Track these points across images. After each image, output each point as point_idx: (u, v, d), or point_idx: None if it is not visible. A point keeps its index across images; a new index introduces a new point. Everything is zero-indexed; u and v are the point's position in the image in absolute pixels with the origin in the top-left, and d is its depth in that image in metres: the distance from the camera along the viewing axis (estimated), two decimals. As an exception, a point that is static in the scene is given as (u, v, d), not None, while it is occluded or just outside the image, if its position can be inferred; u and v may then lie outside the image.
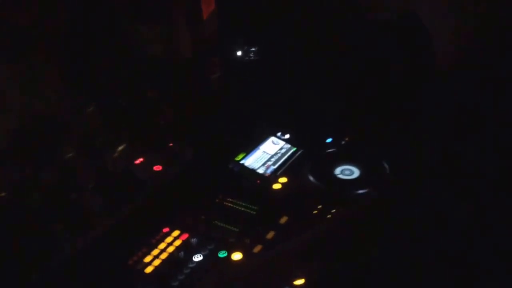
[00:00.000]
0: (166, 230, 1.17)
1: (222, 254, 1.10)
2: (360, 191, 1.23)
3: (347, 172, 1.30)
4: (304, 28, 1.47)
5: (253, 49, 1.62)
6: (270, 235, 1.14)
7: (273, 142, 1.45)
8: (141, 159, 1.24)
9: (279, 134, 1.48)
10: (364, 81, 1.42)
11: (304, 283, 1.02)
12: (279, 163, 1.38)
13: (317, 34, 1.45)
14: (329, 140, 1.45)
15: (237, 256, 1.09)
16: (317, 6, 1.43)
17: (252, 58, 1.61)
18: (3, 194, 1.14)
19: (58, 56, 1.26)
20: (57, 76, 1.26)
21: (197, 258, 1.09)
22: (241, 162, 1.37)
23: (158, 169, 1.25)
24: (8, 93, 1.21)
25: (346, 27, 1.40)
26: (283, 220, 1.18)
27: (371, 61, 1.39)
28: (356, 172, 1.30)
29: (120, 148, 1.21)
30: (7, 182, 1.16)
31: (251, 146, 1.42)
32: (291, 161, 1.39)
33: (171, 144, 1.30)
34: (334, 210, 1.18)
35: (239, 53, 1.62)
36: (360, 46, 1.39)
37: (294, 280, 1.02)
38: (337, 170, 1.31)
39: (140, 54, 1.35)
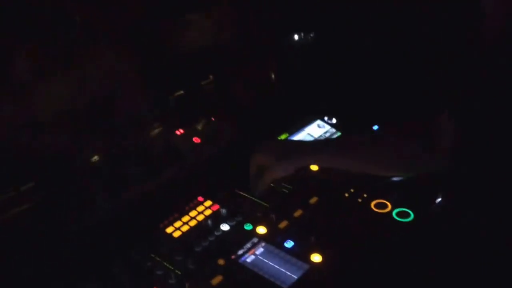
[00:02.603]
0: (200, 199, 1.22)
1: (247, 226, 1.13)
2: (395, 179, 1.20)
3: (386, 159, 1.27)
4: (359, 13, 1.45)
5: (309, 34, 1.63)
6: (298, 213, 1.15)
7: (318, 126, 1.45)
8: (181, 131, 1.30)
9: (326, 118, 1.48)
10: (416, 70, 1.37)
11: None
12: (321, 146, 1.38)
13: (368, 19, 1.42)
14: (375, 127, 1.42)
15: (261, 229, 1.11)
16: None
17: (308, 41, 1.62)
18: (96, 158, 1.22)
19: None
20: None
21: (224, 228, 1.13)
22: (283, 142, 1.38)
23: (197, 142, 1.29)
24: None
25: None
26: (313, 200, 1.18)
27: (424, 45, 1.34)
28: (395, 160, 1.26)
29: (162, 119, 1.27)
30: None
31: (295, 127, 1.44)
32: (333, 145, 1.38)
33: (213, 119, 1.34)
34: (365, 195, 1.17)
35: (295, 37, 1.63)
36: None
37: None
38: (377, 157, 1.28)
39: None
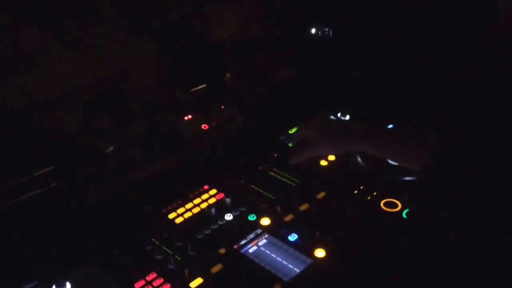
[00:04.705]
0: (205, 187, 1.19)
1: (251, 217, 1.10)
2: (407, 178, 1.16)
3: (399, 158, 1.24)
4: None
5: (326, 29, 1.60)
6: (304, 207, 1.12)
7: (330, 122, 1.42)
8: (190, 116, 1.27)
9: (339, 114, 1.44)
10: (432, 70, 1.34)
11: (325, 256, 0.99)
12: (332, 142, 1.35)
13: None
14: (390, 126, 1.38)
15: (265, 221, 1.08)
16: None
17: (325, 36, 1.59)
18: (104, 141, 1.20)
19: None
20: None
21: (227, 217, 1.10)
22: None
23: (205, 128, 1.27)
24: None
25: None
26: (321, 195, 1.15)
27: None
28: (408, 160, 1.23)
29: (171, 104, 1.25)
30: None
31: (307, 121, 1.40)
32: (344, 141, 1.35)
33: (222, 107, 1.32)
34: (375, 193, 1.13)
35: (312, 30, 1.60)
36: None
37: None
38: (389, 156, 1.25)
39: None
